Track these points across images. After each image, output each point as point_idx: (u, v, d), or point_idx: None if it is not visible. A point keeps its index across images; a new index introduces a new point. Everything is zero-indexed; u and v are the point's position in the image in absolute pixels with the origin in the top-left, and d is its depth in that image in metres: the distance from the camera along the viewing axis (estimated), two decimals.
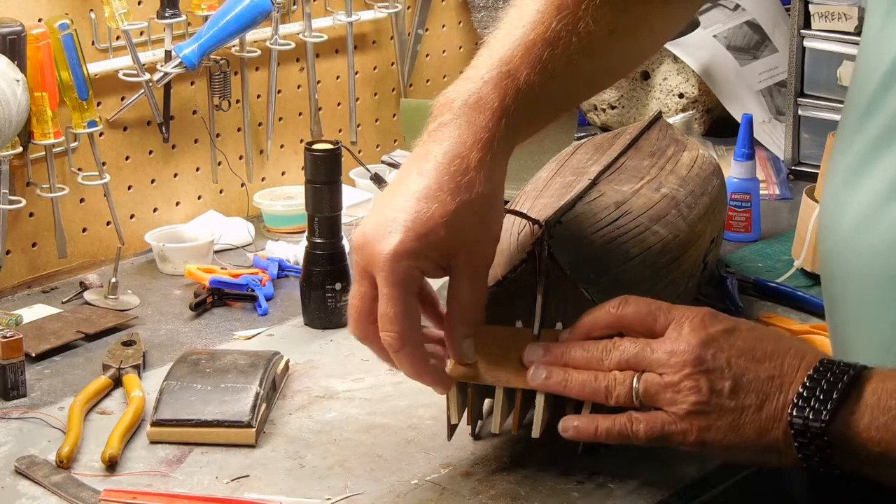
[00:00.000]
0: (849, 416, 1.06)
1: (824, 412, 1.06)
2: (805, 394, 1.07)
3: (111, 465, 1.26)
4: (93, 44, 1.77)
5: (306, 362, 1.49)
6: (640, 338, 1.14)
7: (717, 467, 1.25)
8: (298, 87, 2.04)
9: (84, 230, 1.82)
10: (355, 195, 1.94)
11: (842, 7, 2.02)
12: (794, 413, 1.07)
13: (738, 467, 1.26)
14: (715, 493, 1.25)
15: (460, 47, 2.27)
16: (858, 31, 1.97)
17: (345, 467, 1.27)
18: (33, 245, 1.77)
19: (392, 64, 2.18)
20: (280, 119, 2.03)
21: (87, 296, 1.68)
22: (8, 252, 1.72)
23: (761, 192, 1.92)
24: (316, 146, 1.58)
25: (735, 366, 1.10)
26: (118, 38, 1.78)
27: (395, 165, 1.91)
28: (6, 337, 1.41)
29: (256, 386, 1.35)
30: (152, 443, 1.31)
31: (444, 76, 2.24)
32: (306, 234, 1.60)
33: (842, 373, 1.07)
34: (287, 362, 1.45)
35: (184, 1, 1.83)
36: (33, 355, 1.50)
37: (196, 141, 1.93)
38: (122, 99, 1.82)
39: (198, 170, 1.94)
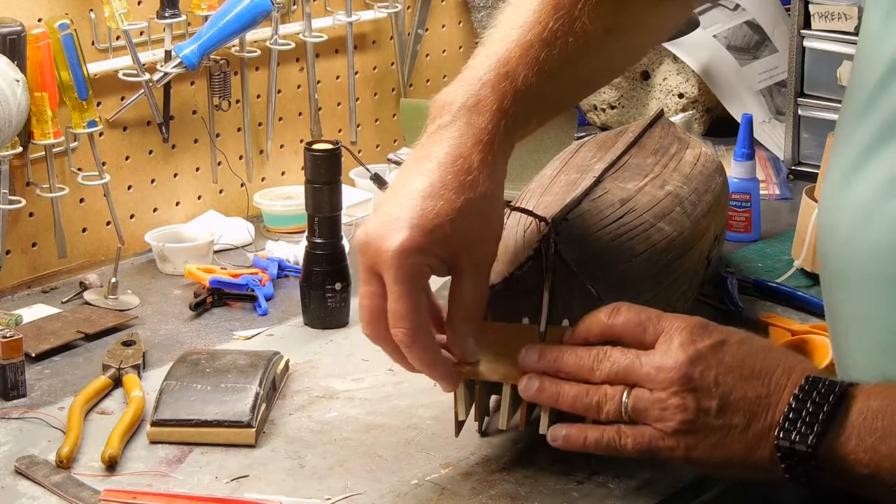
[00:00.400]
0: (835, 439, 1.06)
1: (811, 436, 1.06)
2: (791, 416, 1.07)
3: (111, 465, 1.26)
4: (93, 44, 1.77)
5: (306, 362, 1.49)
6: (631, 348, 1.14)
7: None
8: (298, 87, 2.04)
9: (84, 230, 1.82)
10: (355, 195, 1.94)
11: (842, 7, 2.02)
12: (781, 435, 1.07)
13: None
14: (715, 493, 1.25)
15: (460, 47, 2.27)
16: (858, 31, 1.97)
17: (345, 467, 1.27)
18: (33, 245, 1.77)
19: (392, 64, 2.18)
20: (280, 119, 2.03)
21: (87, 296, 1.68)
22: (8, 252, 1.72)
23: (761, 192, 1.92)
24: (316, 146, 1.57)
25: (723, 384, 1.10)
26: (118, 38, 1.78)
27: (399, 164, 1.90)
28: (6, 337, 1.41)
29: (256, 386, 1.35)
30: (152, 443, 1.31)
31: (444, 76, 2.24)
32: (306, 234, 1.60)
33: (828, 392, 1.07)
34: (287, 362, 1.45)
35: (184, 1, 1.83)
36: (33, 355, 1.50)
37: (196, 141, 1.93)
38: (122, 99, 1.82)
39: (198, 170, 1.94)
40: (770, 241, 1.85)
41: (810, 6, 2.05)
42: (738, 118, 1.93)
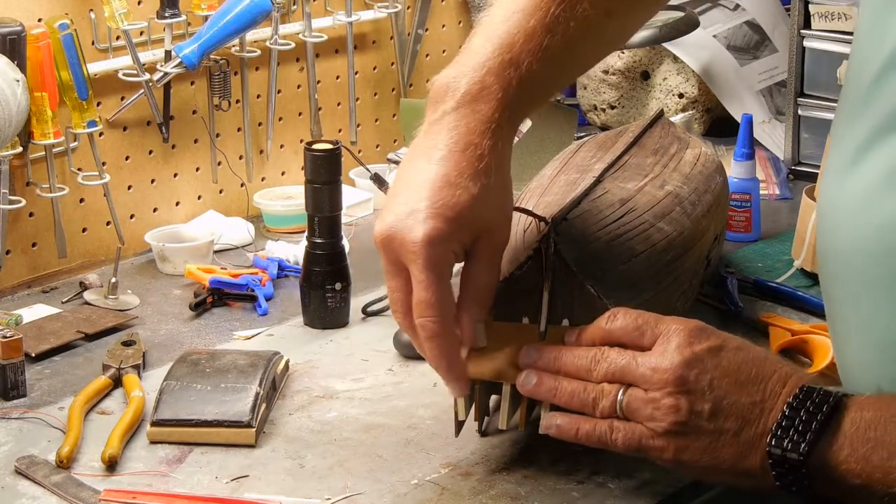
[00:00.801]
0: (827, 449, 1.06)
1: (803, 444, 1.06)
2: (784, 423, 1.07)
3: (111, 465, 1.26)
4: (93, 44, 1.77)
5: (306, 362, 1.49)
6: (629, 350, 1.14)
7: None
8: (298, 87, 2.04)
9: (84, 230, 1.82)
10: (355, 195, 1.94)
11: (842, 7, 2.02)
12: (773, 443, 1.07)
13: None
14: (714, 493, 1.25)
15: (460, 47, 2.27)
16: None
17: (345, 467, 1.27)
18: (33, 245, 1.77)
19: (392, 64, 2.18)
20: (280, 119, 2.03)
21: (87, 296, 1.68)
22: (8, 252, 1.72)
23: (761, 192, 1.92)
24: (316, 146, 1.57)
25: (717, 388, 1.10)
26: (118, 38, 1.78)
27: (399, 163, 1.90)
28: (6, 337, 1.41)
29: (256, 386, 1.35)
30: (152, 443, 1.31)
31: None
32: (306, 234, 1.60)
33: (822, 402, 1.07)
34: (287, 362, 1.45)
35: (184, 1, 1.83)
36: (33, 355, 1.50)
37: (196, 141, 1.93)
38: (122, 99, 1.82)
39: (198, 170, 1.94)
40: (770, 241, 1.85)
41: (810, 6, 2.05)
42: (738, 118, 1.93)
